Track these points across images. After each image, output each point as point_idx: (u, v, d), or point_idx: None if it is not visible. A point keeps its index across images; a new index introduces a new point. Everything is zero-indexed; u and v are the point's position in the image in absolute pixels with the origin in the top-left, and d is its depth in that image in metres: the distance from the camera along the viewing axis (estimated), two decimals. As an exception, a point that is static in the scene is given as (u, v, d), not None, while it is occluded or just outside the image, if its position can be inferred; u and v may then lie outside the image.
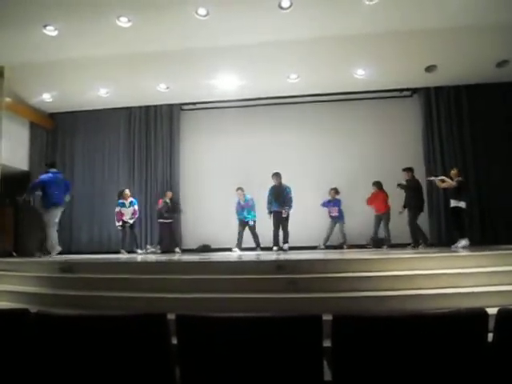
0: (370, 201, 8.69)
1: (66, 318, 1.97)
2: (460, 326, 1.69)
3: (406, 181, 8.08)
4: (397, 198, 8.28)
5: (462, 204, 7.29)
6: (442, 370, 1.72)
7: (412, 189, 7.92)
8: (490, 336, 1.78)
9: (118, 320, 1.94)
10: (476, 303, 3.80)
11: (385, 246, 8.32)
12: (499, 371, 1.77)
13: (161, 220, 9.17)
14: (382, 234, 8.66)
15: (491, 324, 1.77)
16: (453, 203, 7.38)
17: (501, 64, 8.18)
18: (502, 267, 4.88)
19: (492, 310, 1.79)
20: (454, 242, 7.46)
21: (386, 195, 8.56)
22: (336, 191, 9.05)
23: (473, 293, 4.23)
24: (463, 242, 7.14)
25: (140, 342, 1.91)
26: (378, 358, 1.72)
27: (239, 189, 8.74)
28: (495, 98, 9.05)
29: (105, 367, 1.89)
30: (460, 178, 7.42)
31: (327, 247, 8.85)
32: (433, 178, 7.96)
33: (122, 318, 1.95)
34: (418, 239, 7.90)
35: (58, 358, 1.92)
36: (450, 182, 7.43)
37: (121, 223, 8.94)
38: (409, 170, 8.13)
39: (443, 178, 7.68)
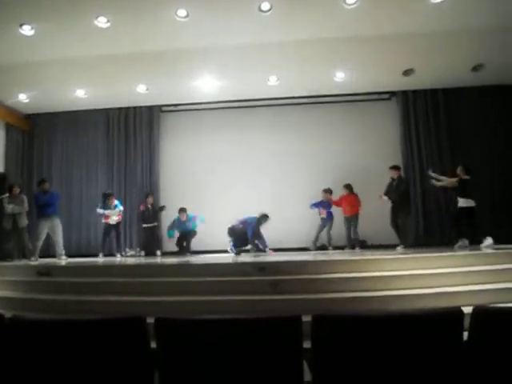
0: (337, 202, 8.76)
1: (41, 322, 1.93)
2: (436, 324, 1.72)
3: (393, 179, 8.14)
4: (372, 200, 8.40)
5: (471, 202, 7.15)
6: (420, 368, 1.74)
7: (400, 187, 7.99)
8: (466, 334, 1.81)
9: (94, 324, 1.90)
10: (454, 303, 3.87)
11: (357, 248, 8.39)
12: (474, 369, 1.81)
13: (144, 225, 9.08)
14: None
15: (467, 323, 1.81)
16: (462, 203, 7.21)
17: (476, 68, 8.37)
18: (478, 267, 5.00)
19: (468, 309, 1.83)
20: (449, 241, 7.52)
21: (357, 198, 8.64)
22: (327, 192, 8.90)
23: (452, 292, 4.32)
24: (489, 241, 6.82)
25: (118, 347, 1.88)
26: (357, 357, 1.74)
27: (182, 210, 8.74)
28: (471, 101, 9.29)
29: (82, 373, 1.86)
30: (467, 177, 7.26)
31: (318, 248, 8.83)
32: (433, 176, 7.88)
33: (99, 322, 1.92)
34: (406, 239, 8.00)
35: (33, 363, 1.88)
36: (449, 181, 7.44)
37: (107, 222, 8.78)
38: (396, 168, 8.20)
39: (441, 180, 7.74)
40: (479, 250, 6.43)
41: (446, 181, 7.67)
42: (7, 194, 7.93)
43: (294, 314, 1.84)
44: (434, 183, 7.89)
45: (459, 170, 7.41)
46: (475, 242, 7.11)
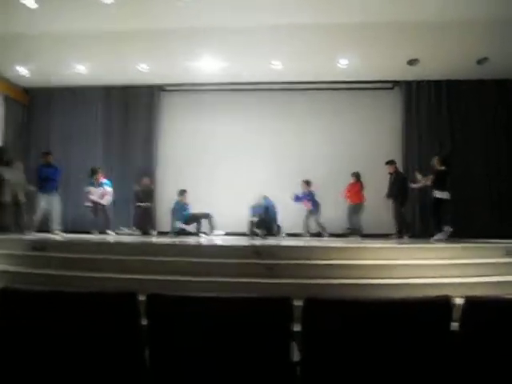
0: (346, 192, 8.74)
1: (32, 293, 1.94)
2: (425, 312, 1.73)
3: (390, 173, 8.17)
4: (373, 190, 8.42)
5: (446, 195, 7.30)
6: (407, 355, 1.76)
7: (397, 180, 8.03)
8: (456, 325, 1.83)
9: (86, 297, 1.91)
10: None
11: (358, 236, 8.45)
12: (465, 359, 1.82)
13: (138, 203, 9.09)
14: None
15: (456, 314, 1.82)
16: (437, 194, 7.35)
17: (481, 61, 8.28)
18: (471, 259, 5.03)
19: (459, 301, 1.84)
20: (431, 232, 7.60)
21: (362, 186, 8.64)
22: (307, 183, 8.89)
23: (444, 283, 4.35)
24: (440, 235, 7.20)
25: (109, 321, 1.89)
26: (346, 340, 1.75)
27: (182, 192, 8.82)
28: (474, 94, 9.24)
29: (72, 345, 1.87)
30: (443, 168, 7.39)
31: (312, 235, 8.86)
32: (419, 178, 7.96)
33: (90, 295, 1.93)
34: (401, 229, 8.06)
35: (24, 334, 1.89)
36: (429, 178, 7.54)
37: (89, 203, 8.71)
38: (392, 162, 8.24)
39: (422, 182, 7.83)
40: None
41: (423, 180, 7.77)
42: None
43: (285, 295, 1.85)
44: (412, 186, 8.05)
45: (435, 161, 7.53)
46: (429, 234, 7.49)
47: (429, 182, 7.59)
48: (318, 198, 8.93)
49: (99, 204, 8.72)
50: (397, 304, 1.76)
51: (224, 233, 8.59)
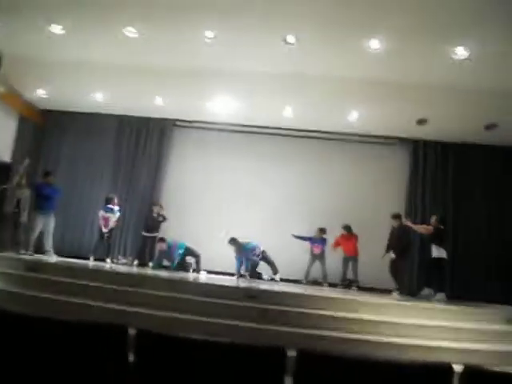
0: (335, 244, 8.75)
1: (22, 317, 1.89)
2: (424, 378, 1.67)
3: (394, 228, 8.09)
4: (373, 242, 8.36)
5: (443, 253, 7.33)
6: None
7: (402, 235, 7.95)
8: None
9: (76, 326, 1.86)
10: (440, 358, 3.79)
11: (354, 288, 8.31)
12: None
13: (145, 233, 9.02)
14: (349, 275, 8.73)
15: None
16: (435, 253, 7.38)
17: (489, 127, 8.41)
18: (469, 323, 4.92)
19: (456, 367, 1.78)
20: (419, 290, 7.58)
21: (356, 239, 8.63)
22: (322, 231, 8.92)
23: (439, 347, 4.23)
24: (442, 295, 7.10)
25: (96, 352, 1.83)
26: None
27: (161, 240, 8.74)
28: (481, 160, 9.35)
29: (57, 373, 1.80)
30: (441, 226, 7.46)
31: (308, 282, 8.74)
32: (409, 224, 7.95)
33: (80, 324, 1.88)
34: (401, 285, 7.89)
35: (9, 357, 1.82)
36: (427, 228, 7.53)
37: (106, 229, 8.67)
38: (397, 217, 8.13)
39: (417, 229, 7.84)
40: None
41: (421, 227, 7.79)
42: (4, 186, 8.04)
43: (278, 345, 1.79)
44: (416, 228, 7.96)
45: (434, 220, 7.61)
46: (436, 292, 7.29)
47: (423, 231, 7.67)
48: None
49: (107, 230, 8.70)
50: (396, 366, 1.70)
51: (206, 272, 8.58)
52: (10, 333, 1.85)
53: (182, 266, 8.58)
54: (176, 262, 8.53)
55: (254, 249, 8.50)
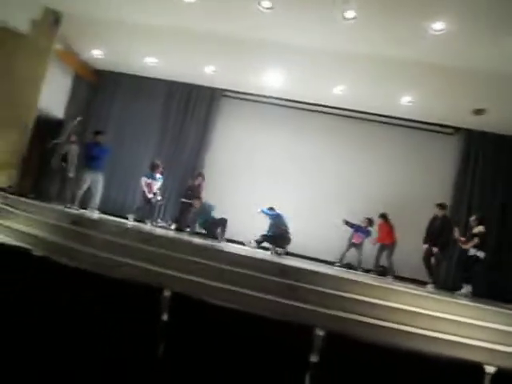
0: (379, 239, 8.65)
1: (66, 268, 1.98)
2: (454, 375, 1.63)
3: (436, 217, 7.87)
4: (414, 232, 8.16)
5: (481, 254, 7.20)
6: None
7: (444, 226, 7.75)
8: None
9: (116, 283, 1.94)
10: (471, 357, 3.71)
11: (389, 277, 8.20)
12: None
13: (183, 199, 9.16)
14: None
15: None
16: (472, 252, 7.28)
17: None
18: (504, 326, 4.76)
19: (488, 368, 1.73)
20: (458, 287, 7.45)
21: (391, 227, 8.50)
22: (370, 222, 8.80)
23: (470, 345, 4.14)
24: (468, 288, 7.12)
25: (131, 310, 1.91)
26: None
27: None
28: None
29: (90, 326, 1.90)
30: (482, 229, 7.27)
31: (343, 265, 8.70)
32: (457, 236, 7.72)
33: (120, 282, 1.95)
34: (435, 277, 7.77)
35: (48, 305, 1.93)
36: (473, 242, 7.31)
37: (151, 194, 8.79)
38: (443, 206, 7.90)
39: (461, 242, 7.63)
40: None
41: (467, 246, 7.46)
42: (56, 141, 8.41)
43: (305, 322, 1.80)
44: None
45: (473, 222, 7.47)
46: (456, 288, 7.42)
47: (468, 247, 7.39)
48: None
49: (152, 196, 8.86)
50: (425, 359, 1.67)
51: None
52: (51, 281, 1.95)
53: (209, 228, 8.68)
54: (203, 220, 8.66)
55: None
